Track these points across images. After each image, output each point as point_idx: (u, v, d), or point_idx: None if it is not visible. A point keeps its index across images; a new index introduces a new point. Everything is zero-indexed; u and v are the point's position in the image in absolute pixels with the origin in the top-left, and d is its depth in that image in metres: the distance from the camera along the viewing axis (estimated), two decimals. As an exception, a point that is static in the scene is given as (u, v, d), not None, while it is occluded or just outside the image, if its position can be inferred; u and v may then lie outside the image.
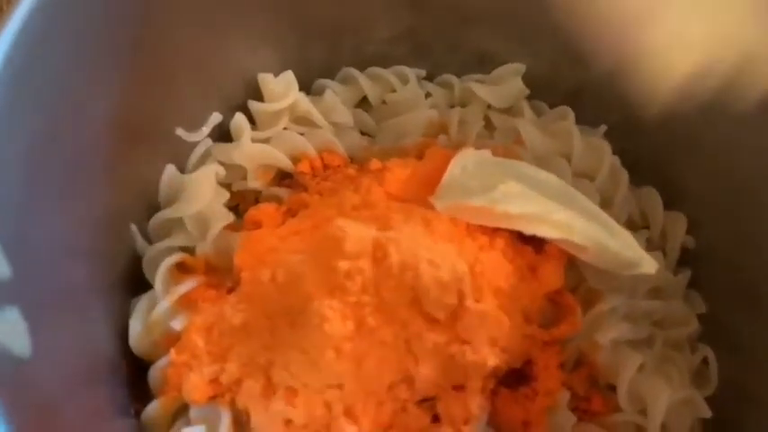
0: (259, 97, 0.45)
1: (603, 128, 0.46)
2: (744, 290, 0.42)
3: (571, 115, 0.46)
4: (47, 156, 0.33)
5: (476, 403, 0.35)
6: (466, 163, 0.39)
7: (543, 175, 0.40)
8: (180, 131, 0.42)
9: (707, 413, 0.41)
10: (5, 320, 0.30)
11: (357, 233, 0.35)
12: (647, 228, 0.45)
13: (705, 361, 0.43)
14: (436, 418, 0.35)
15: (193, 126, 0.43)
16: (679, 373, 0.41)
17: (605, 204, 0.42)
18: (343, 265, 0.34)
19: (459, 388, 0.35)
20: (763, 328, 0.41)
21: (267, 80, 0.45)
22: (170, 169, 0.42)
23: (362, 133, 0.47)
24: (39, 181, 0.33)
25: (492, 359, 0.34)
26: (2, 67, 0.30)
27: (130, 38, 0.37)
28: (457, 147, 0.43)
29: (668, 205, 0.45)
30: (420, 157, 0.43)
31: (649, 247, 0.43)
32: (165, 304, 0.37)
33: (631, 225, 0.44)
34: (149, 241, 0.41)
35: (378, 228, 0.36)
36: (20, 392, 0.29)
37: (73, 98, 0.34)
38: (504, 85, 0.47)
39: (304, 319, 0.34)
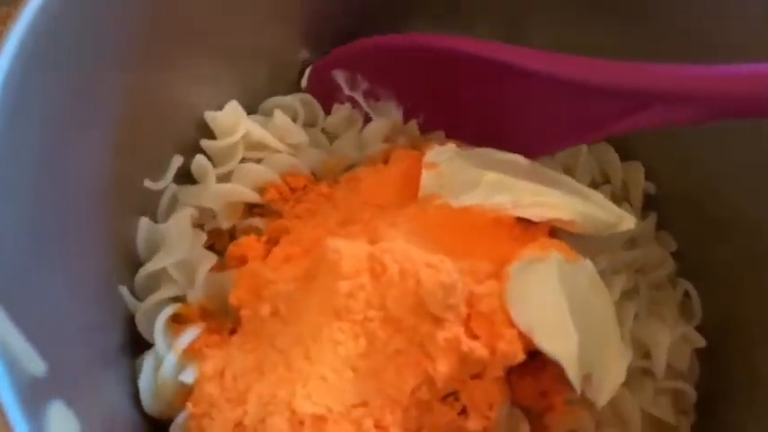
0: (211, 134, 0.43)
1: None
2: (707, 223, 0.43)
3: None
4: (36, 233, 0.31)
5: (498, 389, 0.34)
6: (438, 163, 0.38)
7: (511, 156, 0.39)
8: (147, 182, 0.39)
9: (701, 342, 0.41)
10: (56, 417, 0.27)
11: (351, 251, 0.33)
12: (609, 182, 0.45)
13: (686, 294, 0.43)
14: (462, 410, 0.34)
15: (158, 174, 0.40)
16: (670, 312, 0.41)
17: (568, 173, 0.42)
18: (344, 285, 0.33)
19: (477, 376, 0.34)
20: (732, 255, 0.42)
21: (214, 117, 0.42)
22: (144, 222, 0.39)
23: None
24: (35, 255, 0.30)
25: (521, 354, 0.33)
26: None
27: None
28: (418, 144, 0.42)
29: (624, 157, 0.45)
30: (386, 161, 0.41)
31: (614, 200, 0.43)
32: (171, 360, 0.35)
33: (593, 184, 0.44)
34: (139, 299, 0.38)
35: (368, 240, 0.35)
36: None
37: (53, 164, 0.32)
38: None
39: (318, 346, 0.33)
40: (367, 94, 0.44)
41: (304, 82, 0.45)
